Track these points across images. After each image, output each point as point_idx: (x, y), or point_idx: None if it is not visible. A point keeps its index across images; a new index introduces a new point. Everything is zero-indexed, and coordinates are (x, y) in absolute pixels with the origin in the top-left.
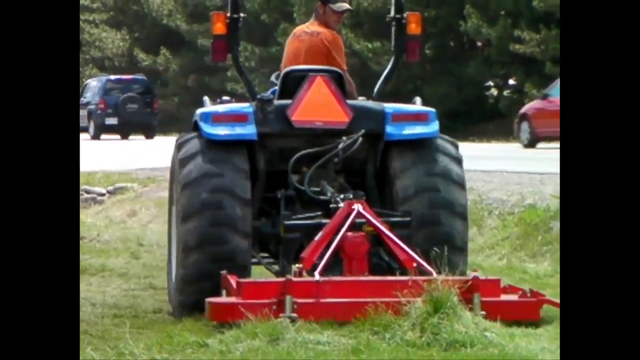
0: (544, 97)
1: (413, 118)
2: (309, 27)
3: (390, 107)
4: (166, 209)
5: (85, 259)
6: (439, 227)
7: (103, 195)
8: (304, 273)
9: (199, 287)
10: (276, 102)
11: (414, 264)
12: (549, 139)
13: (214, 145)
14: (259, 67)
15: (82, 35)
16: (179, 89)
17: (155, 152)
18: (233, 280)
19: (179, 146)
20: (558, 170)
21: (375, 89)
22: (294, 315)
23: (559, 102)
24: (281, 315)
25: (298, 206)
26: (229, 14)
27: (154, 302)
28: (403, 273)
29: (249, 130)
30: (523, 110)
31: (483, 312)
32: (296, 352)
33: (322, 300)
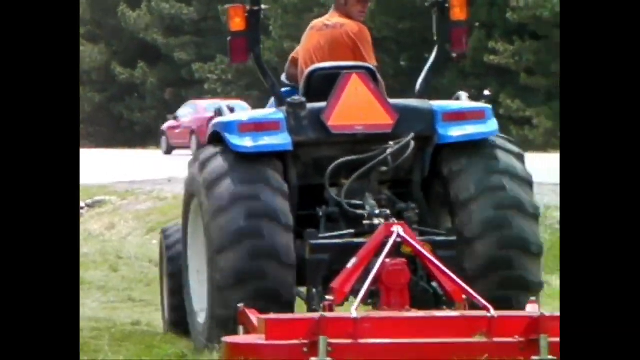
0: (174, 117)
1: (467, 116)
2: (330, 19)
3: (438, 105)
4: (144, 221)
5: None
6: (509, 230)
7: (82, 208)
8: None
9: (239, 292)
10: (309, 105)
11: (464, 297)
12: (181, 147)
13: (243, 158)
14: (235, 80)
15: None
16: (156, 102)
17: (134, 165)
18: (253, 316)
19: (202, 164)
20: (548, 180)
21: (417, 85)
22: (329, 359)
23: (183, 122)
24: (313, 359)
25: (342, 224)
26: (248, 7)
27: (133, 314)
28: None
29: (282, 139)
30: (162, 127)
31: (553, 357)
32: None
33: (360, 341)
